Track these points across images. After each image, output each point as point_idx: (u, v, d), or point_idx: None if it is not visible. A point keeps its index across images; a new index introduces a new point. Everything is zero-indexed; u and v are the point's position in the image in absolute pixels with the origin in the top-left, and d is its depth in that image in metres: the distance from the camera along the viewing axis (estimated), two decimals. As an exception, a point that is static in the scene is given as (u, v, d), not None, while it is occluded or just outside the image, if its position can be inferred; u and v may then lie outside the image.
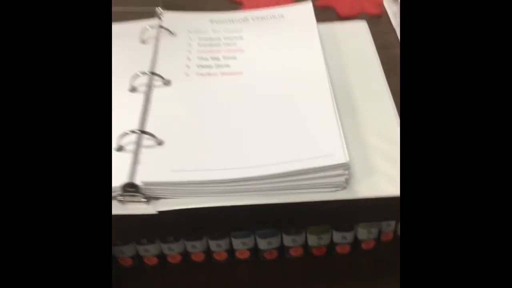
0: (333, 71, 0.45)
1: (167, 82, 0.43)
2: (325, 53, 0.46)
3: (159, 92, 0.42)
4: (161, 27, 0.48)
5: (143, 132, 0.38)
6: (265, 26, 0.49)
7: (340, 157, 0.35)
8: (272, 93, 0.42)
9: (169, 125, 0.39)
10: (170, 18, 0.51)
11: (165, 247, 0.40)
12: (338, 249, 0.42)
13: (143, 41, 0.48)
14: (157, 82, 0.43)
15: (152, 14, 0.52)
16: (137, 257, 0.41)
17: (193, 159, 0.36)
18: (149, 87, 0.43)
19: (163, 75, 0.43)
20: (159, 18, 0.51)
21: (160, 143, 0.38)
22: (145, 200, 0.35)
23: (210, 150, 0.37)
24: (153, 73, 0.43)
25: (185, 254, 0.41)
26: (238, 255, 0.42)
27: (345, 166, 0.35)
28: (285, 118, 0.39)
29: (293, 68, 0.44)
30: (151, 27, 0.48)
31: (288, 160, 0.35)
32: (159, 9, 0.52)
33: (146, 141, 0.38)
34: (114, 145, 0.37)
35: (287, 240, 0.41)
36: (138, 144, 0.38)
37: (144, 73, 0.43)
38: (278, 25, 0.49)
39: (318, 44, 0.46)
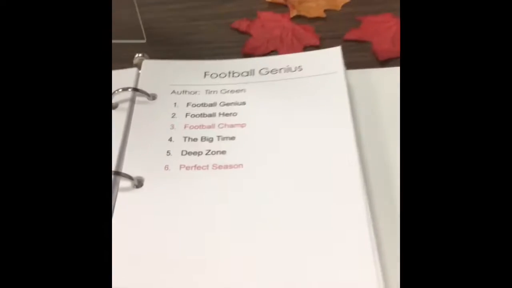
0: (371, 153, 0.32)
1: (137, 182, 0.31)
2: (359, 123, 0.33)
3: (124, 198, 0.30)
4: (135, 90, 0.36)
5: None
6: (277, 86, 0.36)
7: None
8: (283, 198, 0.29)
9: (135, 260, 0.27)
10: (150, 70, 0.38)
11: None
12: None
13: (114, 106, 0.36)
14: (125, 182, 0.31)
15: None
16: None
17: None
18: (113, 187, 0.31)
19: (131, 172, 0.31)
20: (138, 68, 0.38)
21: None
22: None
23: None
24: (117, 173, 0.31)
25: None
26: None
27: None
28: (300, 240, 0.27)
29: (312, 161, 0.31)
30: (123, 88, 0.36)
31: None
32: (138, 57, 0.39)
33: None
34: None
35: None
36: None
37: (105, 171, 0.31)
38: (295, 84, 0.36)
39: (349, 122, 0.32)
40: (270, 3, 0.47)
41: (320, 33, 0.43)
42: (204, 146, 0.33)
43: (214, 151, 0.32)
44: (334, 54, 0.37)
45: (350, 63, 0.38)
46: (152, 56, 0.40)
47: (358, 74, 0.38)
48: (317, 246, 0.27)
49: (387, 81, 0.37)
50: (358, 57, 0.41)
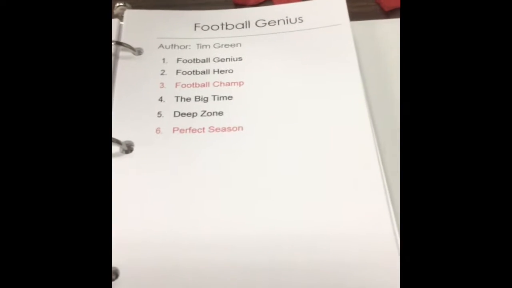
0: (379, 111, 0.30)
1: (126, 147, 0.28)
2: (365, 80, 0.30)
3: (113, 163, 0.27)
4: (119, 43, 0.32)
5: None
6: (276, 39, 0.33)
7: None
8: (288, 162, 0.27)
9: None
10: (134, 21, 0.34)
11: None
12: None
13: (95, 62, 0.32)
14: (112, 147, 0.28)
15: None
16: None
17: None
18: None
19: (119, 136, 0.28)
20: (119, 19, 0.34)
21: (112, 277, 0.23)
22: None
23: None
24: (103, 137, 0.28)
25: None
26: None
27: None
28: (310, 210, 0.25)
29: (319, 123, 0.28)
30: (105, 42, 0.32)
31: None
32: (119, 6, 0.35)
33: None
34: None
35: None
36: None
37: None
38: (296, 38, 0.32)
39: (358, 79, 0.30)
40: None
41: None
42: (198, 106, 0.30)
43: (210, 112, 0.29)
44: (337, 4, 0.33)
45: (352, 14, 0.34)
46: (133, 6, 0.36)
47: (361, 26, 0.35)
48: (329, 214, 0.25)
49: (393, 34, 0.35)
50: (361, 7, 0.38)
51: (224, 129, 0.28)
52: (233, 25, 0.34)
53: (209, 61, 0.32)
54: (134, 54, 0.32)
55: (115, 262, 0.24)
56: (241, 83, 0.31)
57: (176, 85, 0.31)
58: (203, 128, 0.29)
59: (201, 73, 0.31)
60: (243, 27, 0.33)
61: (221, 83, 0.31)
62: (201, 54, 0.32)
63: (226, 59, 0.32)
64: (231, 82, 0.31)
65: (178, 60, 0.32)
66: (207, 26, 0.34)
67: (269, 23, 0.34)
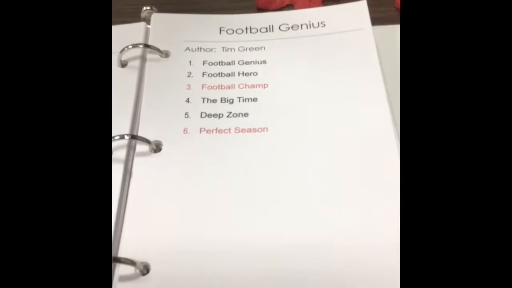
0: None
1: (155, 147, 0.29)
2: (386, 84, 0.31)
3: (141, 162, 0.28)
4: (146, 46, 0.33)
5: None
6: (299, 43, 0.33)
7: None
8: (313, 164, 0.28)
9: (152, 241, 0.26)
10: (161, 25, 0.35)
11: None
12: None
13: (123, 64, 0.33)
14: (142, 146, 0.29)
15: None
16: None
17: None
18: (129, 153, 0.29)
19: (148, 136, 0.29)
20: (146, 22, 0.35)
21: (144, 271, 0.24)
22: None
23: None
24: (134, 136, 0.29)
25: None
26: None
27: None
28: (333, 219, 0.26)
29: (343, 125, 0.29)
30: (133, 45, 0.33)
31: None
32: (146, 10, 0.36)
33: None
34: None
35: None
36: None
37: (121, 136, 0.29)
38: (319, 42, 0.33)
39: (381, 83, 0.30)
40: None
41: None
42: (224, 108, 0.30)
43: (235, 113, 0.30)
44: (359, 9, 0.34)
45: (372, 19, 0.35)
46: (160, 10, 0.37)
47: (381, 30, 0.35)
48: (351, 216, 0.26)
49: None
50: (381, 12, 0.38)
51: (249, 130, 0.29)
52: (257, 29, 0.35)
53: (234, 64, 0.33)
54: (161, 56, 0.33)
55: (146, 257, 0.25)
56: (266, 86, 0.31)
57: (203, 87, 0.32)
58: (229, 129, 0.29)
59: (227, 76, 0.32)
60: (267, 31, 0.34)
61: (246, 85, 0.31)
62: (226, 57, 0.33)
63: (251, 62, 0.33)
64: (256, 85, 0.31)
65: (204, 62, 0.33)
66: (232, 30, 0.35)
67: (292, 27, 0.34)
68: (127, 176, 0.28)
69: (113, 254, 0.25)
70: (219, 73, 0.32)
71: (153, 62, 0.33)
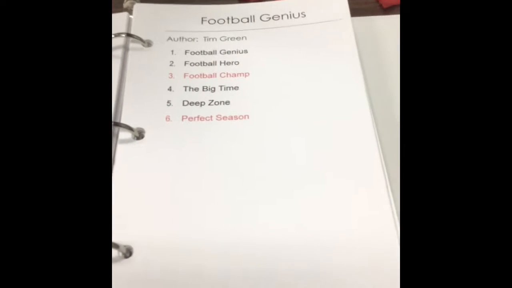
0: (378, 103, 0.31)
1: (138, 134, 0.29)
2: (364, 74, 0.32)
3: (124, 150, 0.29)
4: (129, 35, 0.33)
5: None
6: (280, 33, 0.34)
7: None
8: (292, 150, 0.28)
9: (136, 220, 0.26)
10: (143, 14, 0.35)
11: None
12: None
13: (105, 54, 0.33)
14: (125, 134, 0.29)
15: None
16: None
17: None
18: (112, 140, 0.29)
19: (131, 123, 0.29)
20: (129, 12, 0.36)
21: (126, 254, 0.25)
22: None
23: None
24: (116, 124, 0.29)
25: None
26: None
27: None
28: (313, 197, 0.27)
29: (322, 113, 0.30)
30: (115, 34, 0.33)
31: None
32: (128, 0, 0.36)
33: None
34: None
35: None
36: None
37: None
38: (299, 32, 0.34)
39: (359, 71, 0.31)
40: None
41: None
42: (206, 96, 0.31)
43: (217, 101, 0.31)
44: (339, 0, 0.35)
45: (352, 11, 0.36)
46: (141, 0, 0.37)
47: (361, 21, 0.36)
48: (331, 200, 0.26)
49: (392, 30, 0.36)
50: (360, 3, 0.39)
51: (231, 118, 0.30)
52: (239, 19, 0.35)
53: (216, 53, 0.33)
54: (144, 46, 0.33)
55: (129, 241, 0.25)
56: (247, 74, 0.32)
57: (185, 75, 0.32)
58: (211, 116, 0.30)
59: (208, 65, 0.33)
60: (248, 21, 0.35)
61: (227, 74, 0.32)
62: (208, 46, 0.34)
63: (232, 51, 0.33)
64: (237, 73, 0.32)
65: (186, 52, 0.33)
66: (214, 20, 0.35)
67: (273, 17, 0.35)
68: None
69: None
70: (201, 62, 0.33)
71: (136, 51, 0.33)
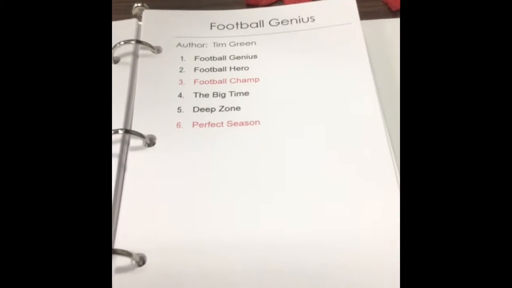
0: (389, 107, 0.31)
1: (149, 141, 0.29)
2: (375, 77, 0.31)
3: (136, 157, 0.29)
4: (138, 42, 0.33)
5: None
6: (290, 38, 0.34)
7: None
8: (305, 155, 0.28)
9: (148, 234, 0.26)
10: (152, 21, 0.35)
11: None
12: None
13: (115, 60, 0.33)
14: (136, 141, 0.29)
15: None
16: None
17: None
18: (123, 147, 0.29)
19: (141, 130, 0.29)
20: (138, 19, 0.36)
21: (140, 263, 0.25)
22: None
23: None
24: (128, 131, 0.29)
25: None
26: None
27: None
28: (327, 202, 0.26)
29: (333, 117, 0.30)
30: (125, 41, 0.33)
31: None
32: (137, 7, 0.36)
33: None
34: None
35: None
36: None
37: (115, 131, 0.29)
38: (309, 36, 0.34)
39: (370, 76, 0.31)
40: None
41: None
42: (216, 102, 0.31)
43: (228, 107, 0.31)
44: (348, 4, 0.35)
45: (361, 14, 0.36)
46: (151, 6, 0.37)
47: (370, 25, 0.36)
48: (344, 203, 0.26)
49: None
50: (369, 7, 0.39)
51: (241, 123, 0.30)
52: (248, 24, 0.35)
53: (225, 59, 0.33)
54: (153, 52, 0.33)
55: (142, 249, 0.25)
56: (257, 80, 0.32)
57: (195, 81, 0.32)
58: (222, 123, 0.30)
59: (218, 70, 0.33)
60: (257, 26, 0.35)
61: (237, 79, 0.32)
62: (218, 52, 0.34)
63: (242, 56, 0.33)
64: (247, 79, 0.32)
65: (195, 58, 0.33)
66: (223, 25, 0.35)
67: (282, 22, 0.35)
68: (122, 170, 0.28)
69: (109, 246, 0.25)
70: (210, 68, 0.33)
71: (145, 58, 0.33)
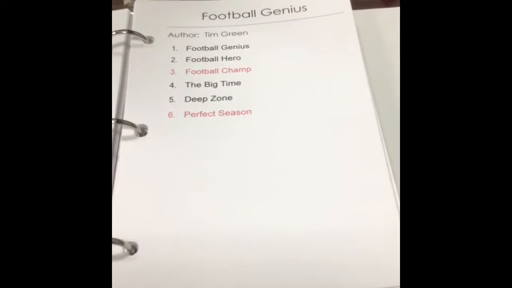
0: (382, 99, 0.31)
1: (141, 130, 0.29)
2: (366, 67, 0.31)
3: (127, 146, 0.29)
4: (130, 32, 0.33)
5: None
6: (282, 27, 0.34)
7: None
8: (296, 144, 0.28)
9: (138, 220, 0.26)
10: (144, 11, 0.35)
11: None
12: None
13: (107, 51, 0.33)
14: (127, 130, 0.29)
15: None
16: None
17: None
18: (115, 137, 0.29)
19: (133, 120, 0.29)
20: (130, 9, 0.36)
21: (132, 251, 0.25)
22: None
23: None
24: (119, 121, 0.29)
25: None
26: None
27: None
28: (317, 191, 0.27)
29: (325, 106, 0.30)
30: (117, 31, 0.33)
31: None
32: (128, -3, 0.36)
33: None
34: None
35: None
36: None
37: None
38: (301, 26, 0.34)
39: (361, 65, 0.31)
40: None
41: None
42: (208, 91, 0.31)
43: (219, 97, 0.31)
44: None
45: (353, 3, 0.36)
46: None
47: (362, 14, 0.36)
48: (335, 194, 0.26)
49: (393, 22, 0.36)
50: (361, -3, 0.39)
51: (233, 113, 0.30)
52: (240, 14, 0.35)
53: (217, 49, 0.33)
54: (145, 42, 0.33)
55: (134, 237, 0.25)
56: (249, 69, 0.32)
57: (186, 71, 0.32)
58: (213, 112, 0.30)
59: (210, 60, 0.33)
60: (249, 16, 0.35)
61: (229, 69, 0.32)
62: (210, 42, 0.33)
63: (234, 46, 0.33)
64: (239, 69, 0.32)
65: (187, 48, 0.33)
66: (215, 15, 0.35)
67: (274, 12, 0.35)
68: (114, 160, 0.28)
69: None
70: (202, 58, 0.33)
71: (137, 48, 0.33)
